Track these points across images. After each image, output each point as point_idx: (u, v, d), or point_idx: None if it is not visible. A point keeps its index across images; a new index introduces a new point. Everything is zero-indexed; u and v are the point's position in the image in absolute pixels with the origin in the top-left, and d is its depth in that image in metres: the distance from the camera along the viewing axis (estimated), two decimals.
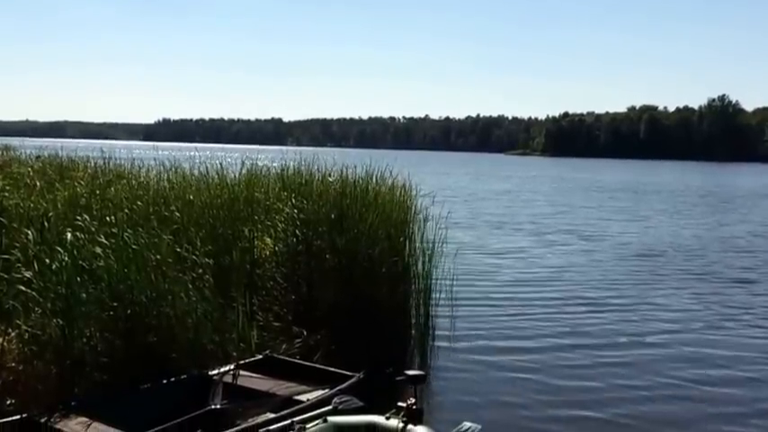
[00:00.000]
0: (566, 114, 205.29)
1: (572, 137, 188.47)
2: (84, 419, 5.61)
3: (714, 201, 41.76)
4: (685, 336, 10.69)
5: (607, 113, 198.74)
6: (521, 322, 11.05)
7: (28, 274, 6.52)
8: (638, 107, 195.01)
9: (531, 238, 22.20)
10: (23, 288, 6.45)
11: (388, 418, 5.51)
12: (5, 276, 6.71)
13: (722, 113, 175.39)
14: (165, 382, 6.46)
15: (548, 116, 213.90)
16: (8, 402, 6.00)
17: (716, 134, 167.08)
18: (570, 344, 9.96)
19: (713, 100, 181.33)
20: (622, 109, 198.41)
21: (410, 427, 5.40)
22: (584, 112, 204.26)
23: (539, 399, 7.87)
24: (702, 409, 7.81)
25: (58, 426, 5.55)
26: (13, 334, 6.41)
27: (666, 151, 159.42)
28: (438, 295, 10.04)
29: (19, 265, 6.72)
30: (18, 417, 5.57)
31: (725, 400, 8.13)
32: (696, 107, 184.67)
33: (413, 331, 9.61)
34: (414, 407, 5.72)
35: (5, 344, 6.32)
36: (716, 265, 17.63)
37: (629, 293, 13.71)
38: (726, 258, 18.72)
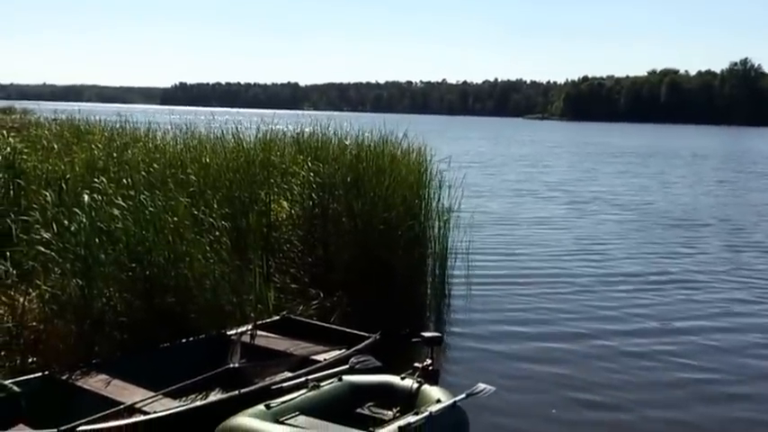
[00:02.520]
0: (585, 78, 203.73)
1: (591, 101, 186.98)
2: (105, 377, 5.70)
3: (741, 166, 40.92)
4: (726, 316, 9.84)
5: (627, 77, 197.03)
6: (539, 288, 10.87)
7: (47, 236, 6.59)
8: (658, 71, 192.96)
9: (553, 204, 21.66)
10: (43, 249, 6.52)
11: (403, 379, 5.58)
12: (25, 237, 6.79)
13: (744, 77, 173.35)
14: (184, 341, 6.55)
15: (567, 80, 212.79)
16: (30, 360, 6.10)
17: (738, 98, 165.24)
18: (591, 312, 9.74)
19: (735, 64, 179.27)
20: (643, 73, 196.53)
21: (425, 387, 5.46)
22: (604, 76, 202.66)
23: (554, 363, 7.83)
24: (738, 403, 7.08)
25: (79, 383, 5.64)
26: (33, 294, 6.49)
27: (687, 115, 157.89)
28: (454, 260, 10.04)
29: (38, 226, 6.79)
30: (40, 374, 5.67)
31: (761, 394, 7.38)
32: (718, 71, 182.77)
33: (429, 294, 9.63)
34: (429, 368, 5.78)
35: (26, 304, 6.41)
36: (755, 235, 16.83)
37: (659, 264, 13.05)
38: (764, 228, 17.98)
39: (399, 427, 4.70)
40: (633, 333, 8.96)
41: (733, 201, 23.92)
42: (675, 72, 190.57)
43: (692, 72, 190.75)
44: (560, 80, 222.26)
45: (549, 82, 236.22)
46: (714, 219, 19.32)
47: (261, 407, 4.91)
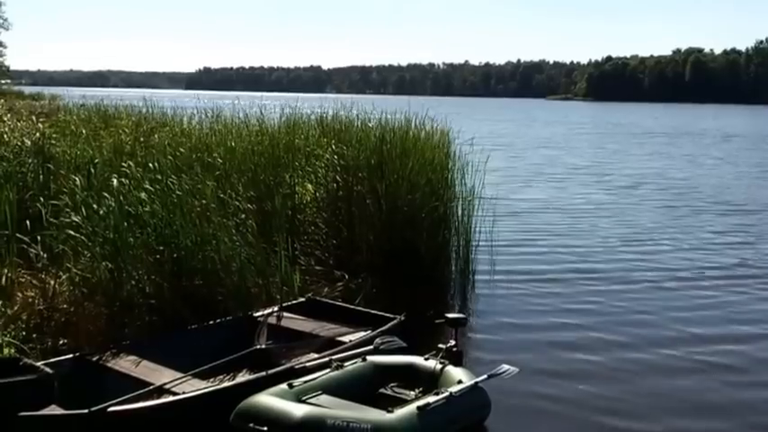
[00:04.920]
0: (609, 58, 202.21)
1: (615, 81, 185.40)
2: (135, 358, 5.78)
3: None
4: None
5: (651, 57, 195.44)
6: (568, 275, 10.60)
7: (77, 219, 6.70)
8: (683, 50, 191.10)
9: (586, 188, 20.80)
10: (73, 233, 6.63)
11: (426, 359, 5.62)
12: (55, 221, 6.90)
13: None
14: (211, 323, 6.62)
15: (590, 60, 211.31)
16: (61, 342, 6.20)
17: (764, 77, 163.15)
18: (624, 303, 9.36)
19: (761, 42, 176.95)
20: (667, 52, 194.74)
21: (448, 368, 5.50)
22: (628, 56, 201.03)
23: (578, 345, 7.74)
24: None
25: (109, 364, 5.73)
26: (64, 277, 6.60)
27: (712, 95, 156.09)
28: (479, 242, 10.02)
29: (68, 210, 6.90)
30: (71, 356, 5.75)
31: None
32: (743, 49, 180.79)
33: (453, 275, 9.63)
34: (453, 349, 5.83)
35: (57, 286, 6.52)
36: None
37: (705, 254, 12.09)
38: None
39: (418, 407, 4.74)
40: (670, 325, 8.43)
41: None
42: (700, 51, 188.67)
43: (717, 51, 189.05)
44: (583, 60, 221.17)
45: (572, 62, 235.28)
46: (761, 204, 18.12)
47: (283, 386, 4.97)
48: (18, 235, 6.94)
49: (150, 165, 8.05)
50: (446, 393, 4.95)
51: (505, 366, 5.60)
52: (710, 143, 41.60)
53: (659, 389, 6.65)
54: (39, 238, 6.93)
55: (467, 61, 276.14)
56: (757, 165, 29.09)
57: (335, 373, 5.31)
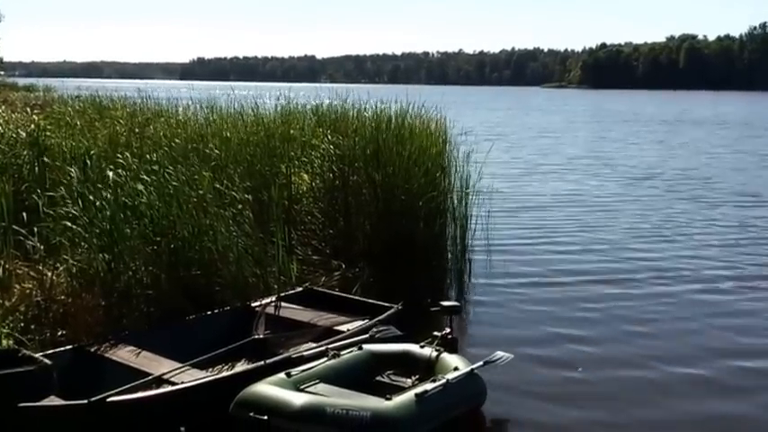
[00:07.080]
0: (603, 45, 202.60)
1: (610, 68, 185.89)
2: (134, 349, 5.79)
3: None
4: None
5: (645, 44, 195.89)
6: (559, 263, 10.65)
7: (73, 211, 6.70)
8: (677, 36, 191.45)
9: (591, 179, 20.36)
10: (69, 224, 6.63)
11: (422, 347, 5.67)
12: (52, 213, 6.90)
13: (764, 41, 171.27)
14: (209, 313, 6.64)
15: (584, 48, 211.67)
16: (59, 334, 6.20)
17: (758, 63, 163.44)
18: (616, 281, 9.47)
19: (754, 28, 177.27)
20: (661, 39, 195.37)
21: (444, 355, 5.55)
22: (622, 43, 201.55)
23: (573, 334, 7.76)
24: None
25: (108, 355, 5.74)
26: (61, 268, 6.59)
27: (707, 81, 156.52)
28: (474, 230, 10.03)
29: (64, 201, 6.91)
30: (70, 347, 5.77)
31: None
32: (737, 35, 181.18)
33: (449, 264, 9.65)
34: (448, 336, 5.87)
35: (55, 278, 6.52)
36: None
37: (730, 252, 11.41)
38: None
39: (416, 395, 4.79)
40: (673, 315, 8.32)
41: None
42: (694, 38, 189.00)
43: (711, 37, 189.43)
44: (578, 48, 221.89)
45: (566, 50, 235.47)
46: None
47: (281, 375, 5.00)
48: (15, 227, 6.93)
49: (146, 156, 8.05)
50: (443, 380, 5.00)
51: (500, 353, 5.66)
52: (713, 130, 41.22)
53: (658, 379, 6.64)
54: (35, 229, 6.92)
55: (461, 50, 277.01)
56: (764, 153, 28.58)
57: (333, 361, 5.34)
